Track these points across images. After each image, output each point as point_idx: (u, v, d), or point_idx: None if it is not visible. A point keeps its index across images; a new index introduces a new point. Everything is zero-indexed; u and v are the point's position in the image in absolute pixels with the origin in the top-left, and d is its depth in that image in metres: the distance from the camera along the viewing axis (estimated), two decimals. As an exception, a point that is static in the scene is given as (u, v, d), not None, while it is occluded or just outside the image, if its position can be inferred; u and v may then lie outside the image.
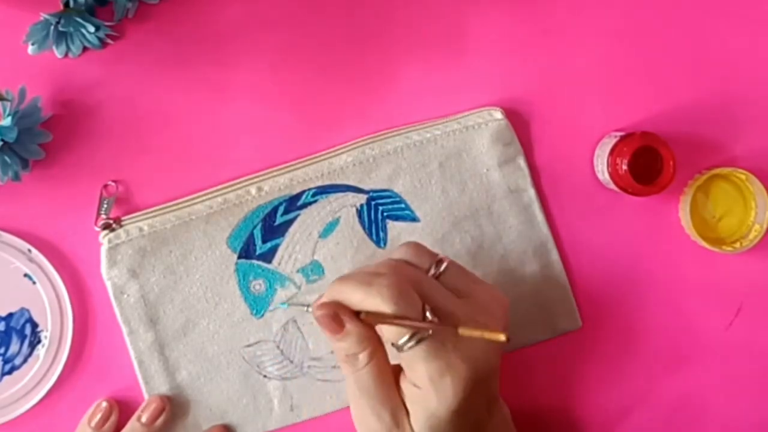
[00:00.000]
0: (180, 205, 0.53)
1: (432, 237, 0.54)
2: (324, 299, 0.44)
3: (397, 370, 0.45)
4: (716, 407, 0.56)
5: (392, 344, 0.43)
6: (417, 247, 0.46)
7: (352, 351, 0.43)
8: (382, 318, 0.42)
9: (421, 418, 0.43)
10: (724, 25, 0.56)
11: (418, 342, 0.42)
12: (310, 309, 0.46)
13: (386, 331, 0.42)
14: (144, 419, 0.51)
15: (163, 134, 0.54)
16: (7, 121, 0.49)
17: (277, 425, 0.54)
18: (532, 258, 0.54)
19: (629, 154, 0.51)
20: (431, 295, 0.43)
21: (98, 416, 0.52)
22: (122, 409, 0.53)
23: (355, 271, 0.44)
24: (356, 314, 0.43)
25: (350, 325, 0.43)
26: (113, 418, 0.52)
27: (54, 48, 0.52)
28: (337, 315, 0.43)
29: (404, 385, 0.44)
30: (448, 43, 0.55)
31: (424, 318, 0.42)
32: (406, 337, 0.42)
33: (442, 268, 0.44)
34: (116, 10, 0.53)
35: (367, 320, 0.43)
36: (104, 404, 0.53)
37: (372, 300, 0.42)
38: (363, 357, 0.43)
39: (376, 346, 0.44)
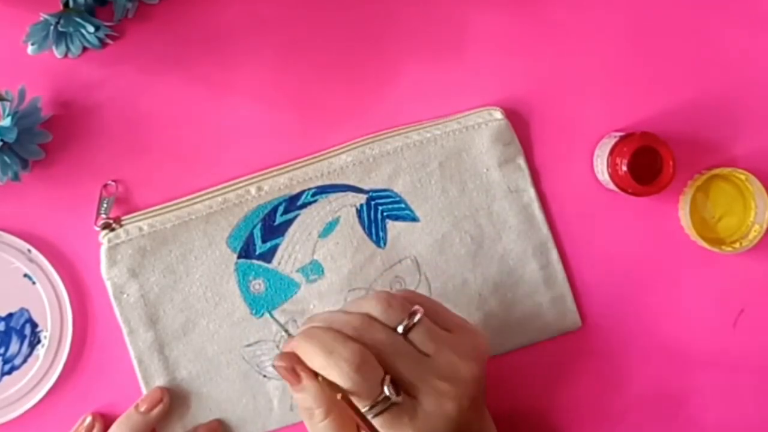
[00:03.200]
0: (180, 205, 0.53)
1: (432, 237, 0.54)
2: (287, 349, 0.44)
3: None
4: (716, 407, 0.56)
5: None
6: (388, 301, 0.44)
7: (308, 405, 0.43)
8: (336, 389, 0.42)
9: None
10: (724, 26, 0.56)
11: (376, 415, 0.42)
12: (284, 336, 0.47)
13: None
14: (142, 408, 0.52)
15: (163, 134, 0.54)
16: (6, 122, 0.49)
17: (277, 425, 0.54)
18: (532, 258, 0.54)
19: (629, 154, 0.51)
20: (394, 361, 0.42)
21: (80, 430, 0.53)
22: (122, 409, 0.53)
23: (322, 329, 0.43)
24: (315, 374, 0.43)
25: (307, 383, 0.43)
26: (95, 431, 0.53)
27: (54, 48, 0.52)
28: (295, 369, 0.43)
29: None
30: (448, 43, 0.55)
31: (381, 392, 0.41)
32: (366, 408, 0.42)
33: (414, 320, 0.43)
34: (116, 10, 0.53)
35: (323, 384, 0.42)
36: (88, 419, 0.53)
37: (330, 371, 0.41)
38: (318, 413, 0.43)
39: (334, 402, 0.43)
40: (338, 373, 0.41)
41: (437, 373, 0.43)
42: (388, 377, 0.42)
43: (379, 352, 0.42)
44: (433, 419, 0.42)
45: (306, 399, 0.43)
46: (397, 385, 0.42)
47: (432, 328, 0.44)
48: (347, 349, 0.41)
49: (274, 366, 0.43)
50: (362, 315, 0.44)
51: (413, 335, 0.43)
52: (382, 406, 0.41)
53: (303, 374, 0.43)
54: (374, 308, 0.44)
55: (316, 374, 0.43)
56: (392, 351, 0.43)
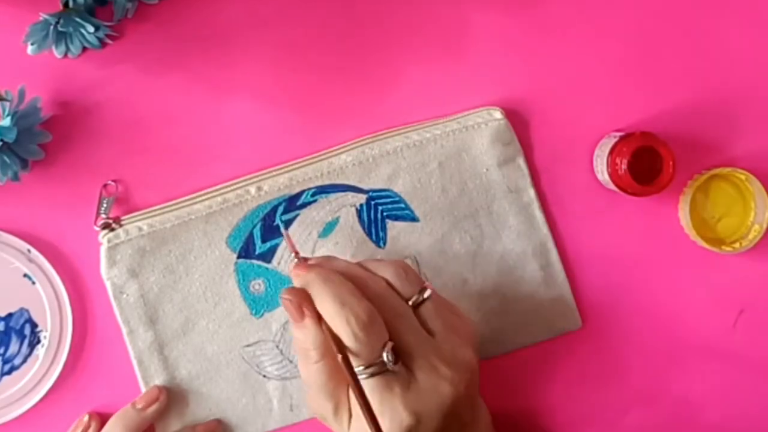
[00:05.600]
0: (179, 205, 0.53)
1: (432, 237, 0.54)
2: (299, 277, 0.44)
3: None
4: (717, 407, 0.56)
5: None
6: (406, 271, 0.45)
7: (305, 345, 0.43)
8: (336, 341, 0.42)
9: None
10: (724, 25, 0.56)
11: (369, 376, 0.42)
12: (292, 259, 0.47)
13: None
14: (138, 405, 0.52)
15: (163, 134, 0.54)
16: (6, 122, 0.49)
17: (277, 425, 0.54)
18: (532, 258, 0.54)
19: (629, 154, 0.51)
20: (401, 331, 0.43)
21: (78, 430, 0.53)
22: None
23: (341, 278, 0.44)
24: (319, 317, 0.43)
25: (309, 322, 0.43)
26: (92, 430, 0.52)
27: (53, 48, 0.52)
28: (301, 307, 0.43)
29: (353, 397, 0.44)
30: (448, 43, 0.55)
31: (380, 356, 0.42)
32: (360, 368, 0.42)
33: (425, 296, 0.44)
34: (116, 10, 0.53)
35: (325, 330, 0.43)
36: (85, 418, 0.53)
37: (337, 322, 0.42)
38: (314, 354, 0.43)
39: (330, 347, 0.43)
40: (344, 327, 0.41)
41: (439, 353, 0.43)
42: (390, 343, 0.42)
43: (388, 317, 0.43)
44: (425, 396, 0.42)
45: (304, 339, 0.43)
46: (397, 354, 0.42)
47: (440, 308, 0.45)
48: (360, 306, 0.42)
49: (280, 297, 0.43)
50: (380, 278, 0.45)
51: (422, 311, 0.44)
52: (377, 369, 0.42)
53: (307, 313, 0.43)
54: (392, 275, 0.45)
55: (320, 317, 0.43)
56: (401, 320, 0.43)
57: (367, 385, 0.42)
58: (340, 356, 0.41)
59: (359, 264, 0.46)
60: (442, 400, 0.43)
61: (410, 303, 0.44)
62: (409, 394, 0.42)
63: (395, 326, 0.43)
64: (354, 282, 0.44)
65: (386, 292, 0.44)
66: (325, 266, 0.45)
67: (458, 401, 0.43)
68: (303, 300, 0.43)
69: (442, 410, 0.43)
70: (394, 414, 0.42)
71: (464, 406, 0.44)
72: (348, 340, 0.42)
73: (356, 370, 0.42)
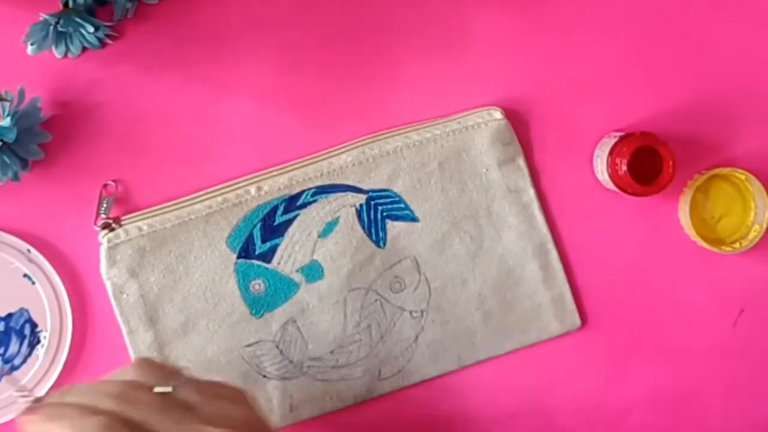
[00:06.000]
0: (179, 205, 0.53)
1: (431, 237, 0.54)
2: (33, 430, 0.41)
3: None
4: (716, 407, 0.56)
5: None
6: (145, 366, 0.44)
7: None
8: None
9: None
10: (724, 25, 0.56)
11: None
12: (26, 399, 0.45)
13: None
14: None
15: (163, 134, 0.54)
16: (6, 122, 0.49)
17: (277, 425, 0.54)
18: (532, 258, 0.54)
19: (629, 154, 0.51)
20: (154, 421, 0.40)
21: None
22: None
23: (64, 408, 0.41)
24: None
25: None
26: None
27: (53, 48, 0.52)
28: None
29: None
30: (448, 43, 0.55)
31: None
32: None
33: (177, 381, 0.43)
34: (115, 10, 0.53)
35: None
36: None
37: None
38: None
39: None
40: None
41: (206, 420, 0.41)
42: None
43: (134, 414, 0.40)
44: None
45: None
46: None
47: (197, 385, 0.43)
48: (94, 423, 0.39)
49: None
50: (117, 381, 0.43)
51: (179, 392, 0.42)
52: None
53: None
54: (133, 373, 0.43)
55: None
56: (151, 410, 0.41)
57: None
58: None
59: (96, 381, 0.44)
60: None
61: (161, 390, 0.42)
62: None
63: (146, 418, 0.40)
64: (84, 397, 0.41)
65: (123, 391, 0.41)
66: (54, 401, 0.42)
67: None
68: None
69: None
70: None
71: None
72: None
73: None
